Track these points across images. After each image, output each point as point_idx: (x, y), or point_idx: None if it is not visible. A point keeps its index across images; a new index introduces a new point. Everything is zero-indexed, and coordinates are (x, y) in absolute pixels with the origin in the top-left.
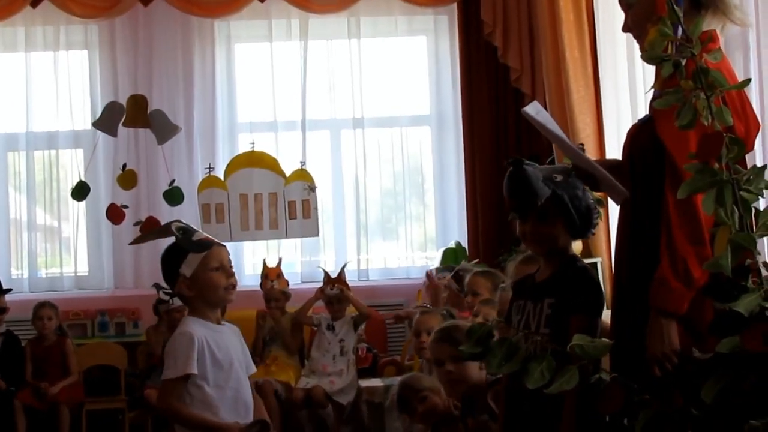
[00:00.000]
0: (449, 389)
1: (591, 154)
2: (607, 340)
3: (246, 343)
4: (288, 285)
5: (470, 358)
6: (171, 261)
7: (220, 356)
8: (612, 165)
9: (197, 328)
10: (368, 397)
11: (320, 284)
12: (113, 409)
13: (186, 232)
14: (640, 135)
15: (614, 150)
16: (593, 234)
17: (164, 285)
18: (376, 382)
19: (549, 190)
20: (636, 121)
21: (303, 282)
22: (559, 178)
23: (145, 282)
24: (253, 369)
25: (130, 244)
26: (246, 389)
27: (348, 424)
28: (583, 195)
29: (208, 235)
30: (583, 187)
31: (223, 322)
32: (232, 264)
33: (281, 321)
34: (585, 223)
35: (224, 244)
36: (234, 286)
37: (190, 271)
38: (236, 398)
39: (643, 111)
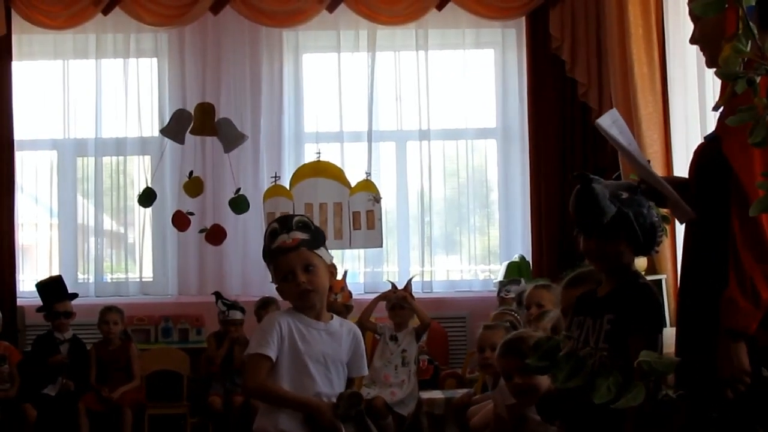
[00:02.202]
0: (520, 402)
1: (658, 171)
2: (673, 357)
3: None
4: (351, 297)
5: (537, 371)
6: (267, 267)
7: (303, 348)
8: (679, 183)
9: (285, 317)
10: (428, 408)
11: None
12: (175, 414)
13: (272, 236)
14: (706, 153)
15: (682, 167)
16: (657, 252)
17: (224, 295)
18: (436, 394)
19: (615, 208)
20: (703, 140)
21: (366, 293)
22: (625, 195)
23: (209, 289)
24: (362, 371)
25: None
26: (331, 388)
27: None
28: (648, 212)
29: (287, 238)
30: (649, 204)
31: (335, 319)
32: (313, 264)
33: None
34: (649, 241)
35: (300, 247)
36: (306, 292)
37: (272, 276)
38: (317, 392)
39: (711, 126)
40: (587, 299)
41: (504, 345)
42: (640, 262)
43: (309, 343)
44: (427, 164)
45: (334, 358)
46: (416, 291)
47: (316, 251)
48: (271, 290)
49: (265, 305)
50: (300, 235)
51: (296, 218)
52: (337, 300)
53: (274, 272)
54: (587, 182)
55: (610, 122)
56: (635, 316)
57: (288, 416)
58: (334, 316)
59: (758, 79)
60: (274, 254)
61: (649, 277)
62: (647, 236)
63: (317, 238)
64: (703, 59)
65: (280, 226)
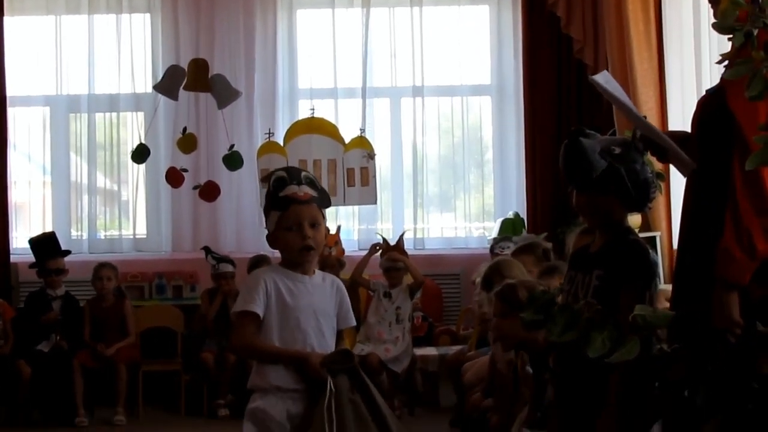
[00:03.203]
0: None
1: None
2: (668, 311)
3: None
4: (344, 254)
5: (532, 325)
6: (264, 212)
7: (291, 303)
8: (680, 137)
9: (269, 273)
10: (422, 365)
11: (378, 253)
12: (169, 371)
13: (279, 184)
14: (709, 105)
15: (677, 123)
16: (650, 208)
17: (214, 250)
18: (431, 351)
19: (605, 163)
20: (706, 92)
21: (360, 249)
22: (618, 150)
23: (203, 246)
24: (350, 323)
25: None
26: (323, 341)
27: (402, 392)
28: (642, 168)
29: (299, 191)
30: (642, 160)
31: (317, 273)
32: (319, 223)
33: None
34: (641, 197)
35: (311, 202)
36: (309, 248)
37: (271, 227)
38: (307, 347)
39: (708, 83)
40: (580, 254)
41: (499, 291)
42: (634, 219)
43: (297, 297)
44: (422, 121)
45: (323, 311)
46: (409, 248)
47: (322, 210)
48: (265, 247)
49: (258, 263)
50: (310, 191)
51: (303, 173)
52: (331, 254)
53: (277, 220)
54: (575, 137)
55: (604, 81)
56: (625, 271)
57: (279, 371)
58: (316, 270)
59: (755, 32)
60: (282, 202)
61: (643, 234)
62: (639, 192)
63: (324, 198)
64: (700, 14)
65: (288, 176)
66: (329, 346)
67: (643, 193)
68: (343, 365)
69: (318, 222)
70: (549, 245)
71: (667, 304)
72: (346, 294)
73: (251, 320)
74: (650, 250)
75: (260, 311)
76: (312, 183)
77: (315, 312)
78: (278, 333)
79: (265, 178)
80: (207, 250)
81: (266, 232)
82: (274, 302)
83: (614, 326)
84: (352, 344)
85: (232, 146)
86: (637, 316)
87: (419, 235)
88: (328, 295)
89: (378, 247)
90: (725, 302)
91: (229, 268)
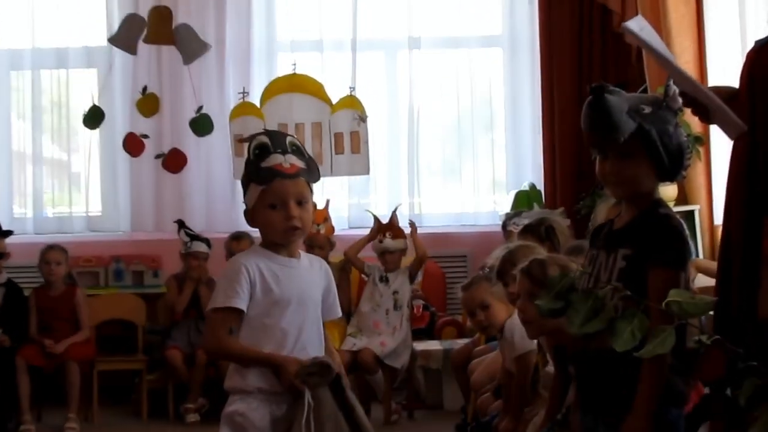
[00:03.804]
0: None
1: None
2: (708, 297)
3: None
4: (334, 231)
5: (549, 314)
6: (242, 184)
7: (277, 291)
8: (727, 93)
9: (251, 258)
10: (424, 362)
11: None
12: (129, 370)
13: (261, 152)
14: (760, 58)
15: (717, 78)
16: (684, 177)
17: (190, 225)
18: (433, 345)
19: (634, 124)
20: (755, 42)
21: (351, 227)
22: (648, 110)
23: (167, 224)
24: (336, 314)
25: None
26: (311, 333)
27: (401, 392)
28: (675, 131)
29: (284, 162)
30: (676, 122)
31: (302, 256)
32: (306, 200)
33: None
34: (675, 164)
35: (299, 176)
36: (294, 229)
37: (251, 202)
38: (292, 338)
39: (754, 32)
40: (602, 230)
41: (526, 267)
42: (670, 191)
43: (284, 284)
44: (421, 78)
45: (311, 299)
46: (406, 226)
47: (310, 185)
48: (241, 225)
49: (237, 238)
50: (297, 162)
51: (289, 139)
52: (320, 232)
53: (258, 196)
54: (600, 93)
55: (638, 29)
56: (654, 250)
57: (260, 371)
58: (301, 252)
59: None
60: (265, 175)
61: (680, 208)
62: (672, 158)
63: (313, 171)
64: None
65: (271, 142)
66: (315, 341)
67: (676, 159)
68: (322, 377)
69: (305, 199)
70: (562, 222)
71: (698, 275)
72: (334, 281)
73: (230, 317)
74: (685, 227)
75: (244, 305)
76: (299, 151)
77: (303, 300)
78: (264, 327)
79: (243, 141)
80: (180, 224)
81: (242, 207)
82: (259, 292)
83: (645, 315)
84: (341, 337)
85: (200, 108)
86: (671, 302)
87: (416, 211)
88: (317, 281)
89: (376, 236)
90: None
91: (202, 247)
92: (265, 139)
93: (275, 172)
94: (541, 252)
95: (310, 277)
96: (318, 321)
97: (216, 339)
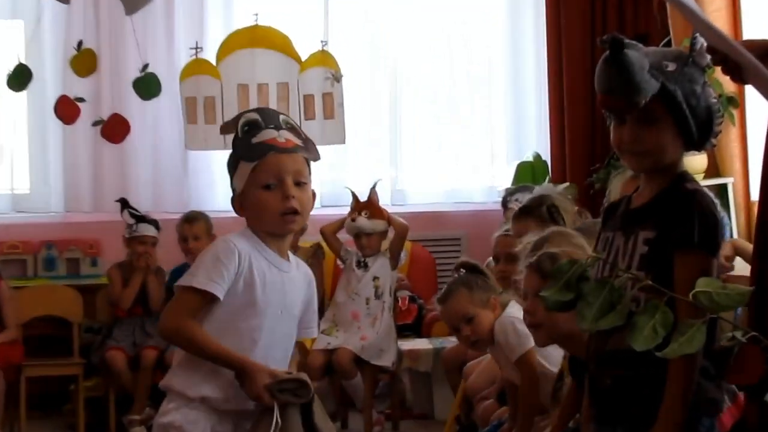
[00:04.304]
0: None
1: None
2: (744, 287)
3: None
4: None
5: (558, 307)
6: (229, 165)
7: (260, 294)
8: (764, 48)
9: (245, 243)
10: (411, 364)
11: (347, 209)
12: (63, 375)
13: (252, 128)
14: None
15: (754, 30)
16: (714, 145)
17: (134, 205)
18: (421, 343)
19: (657, 84)
20: None
21: (323, 206)
22: (672, 67)
23: (108, 204)
24: (312, 333)
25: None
26: (280, 348)
27: (384, 399)
28: (703, 91)
29: (278, 136)
30: (704, 80)
31: (292, 260)
32: (305, 181)
33: None
34: (703, 131)
35: (296, 150)
36: (294, 211)
37: (241, 184)
38: (260, 351)
39: None
40: (617, 208)
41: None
42: (699, 161)
43: (269, 288)
44: (406, 30)
45: (292, 312)
46: (387, 204)
47: (309, 165)
48: (194, 205)
49: (190, 220)
50: (294, 138)
51: (282, 116)
52: None
53: (249, 175)
54: (618, 48)
55: None
56: (681, 230)
57: (213, 378)
58: (290, 254)
59: None
60: (257, 150)
61: (710, 181)
62: (700, 123)
63: (311, 149)
64: None
65: (263, 118)
66: (282, 359)
67: (705, 124)
68: (296, 396)
69: (304, 179)
70: (566, 200)
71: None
72: (316, 295)
73: (201, 301)
74: (717, 204)
75: (221, 293)
76: (294, 129)
77: (282, 311)
78: (232, 330)
79: (226, 127)
80: (124, 203)
81: (195, 183)
82: (242, 286)
83: (669, 308)
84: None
85: (145, 66)
86: (700, 293)
87: (399, 186)
88: (299, 292)
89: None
90: None
91: (150, 230)
92: (254, 115)
93: (269, 146)
94: (582, 243)
95: (294, 285)
96: (291, 338)
97: (178, 318)
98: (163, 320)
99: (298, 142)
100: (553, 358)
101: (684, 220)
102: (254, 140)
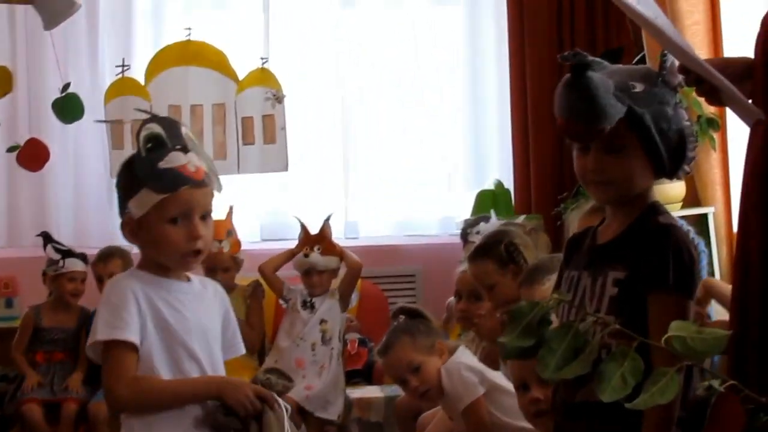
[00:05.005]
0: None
1: (701, 51)
2: (722, 330)
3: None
4: (240, 247)
5: (518, 355)
6: (123, 185)
7: (174, 323)
8: (743, 65)
9: (135, 282)
10: (361, 413)
11: (291, 244)
12: None
13: (156, 147)
14: None
15: (733, 47)
16: (687, 173)
17: (55, 238)
18: (372, 391)
19: (624, 107)
20: None
21: (263, 240)
22: (639, 87)
23: (25, 237)
24: (239, 350)
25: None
26: (221, 372)
27: None
28: (675, 114)
29: (189, 164)
30: (675, 102)
31: (193, 278)
32: (210, 214)
33: (230, 300)
34: (675, 157)
35: (206, 183)
36: (197, 252)
37: (140, 211)
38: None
39: None
40: (581, 243)
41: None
42: (677, 189)
43: (180, 313)
44: (355, 43)
45: (212, 330)
46: (339, 237)
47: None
48: (117, 240)
49: (106, 257)
50: (200, 163)
51: (184, 129)
52: (223, 250)
53: (155, 205)
54: (580, 70)
55: None
56: (652, 269)
57: (176, 423)
58: (190, 274)
59: None
60: (169, 180)
61: (689, 211)
62: (672, 149)
63: (214, 176)
64: None
65: (167, 134)
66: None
67: (677, 150)
68: (285, 379)
69: (209, 212)
70: (523, 235)
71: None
72: (232, 309)
73: (127, 353)
74: (693, 238)
75: (136, 338)
76: (196, 148)
77: (204, 332)
78: (164, 368)
79: (138, 129)
80: (47, 237)
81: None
82: (152, 325)
83: (641, 354)
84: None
85: (66, 86)
86: (674, 338)
87: (353, 218)
88: (213, 308)
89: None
90: None
91: (79, 265)
92: (157, 128)
93: (182, 178)
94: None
95: (205, 302)
96: (220, 360)
97: (129, 381)
98: (110, 395)
99: (203, 167)
100: (504, 407)
101: (657, 259)
102: (161, 165)
